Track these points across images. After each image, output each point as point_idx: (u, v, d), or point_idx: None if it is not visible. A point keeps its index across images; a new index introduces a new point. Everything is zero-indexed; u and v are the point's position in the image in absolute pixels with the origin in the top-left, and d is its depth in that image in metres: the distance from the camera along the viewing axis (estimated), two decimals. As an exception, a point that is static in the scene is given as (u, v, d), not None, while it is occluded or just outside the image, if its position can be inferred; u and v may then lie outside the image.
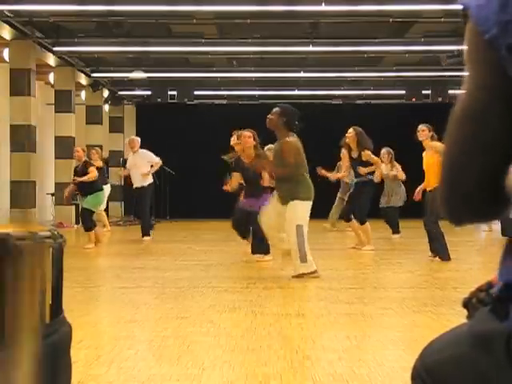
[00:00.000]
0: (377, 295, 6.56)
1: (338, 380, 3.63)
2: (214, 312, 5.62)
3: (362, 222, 10.71)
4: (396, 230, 13.38)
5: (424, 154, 9.44)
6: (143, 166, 12.85)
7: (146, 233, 12.91)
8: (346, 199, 11.48)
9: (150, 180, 13.03)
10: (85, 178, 11.36)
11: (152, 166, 12.98)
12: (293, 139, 7.64)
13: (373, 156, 10.54)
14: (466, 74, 1.10)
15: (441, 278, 7.86)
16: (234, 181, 10.11)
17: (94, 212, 11.65)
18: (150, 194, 13.10)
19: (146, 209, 12.95)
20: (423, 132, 9.36)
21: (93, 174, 11.37)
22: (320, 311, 5.68)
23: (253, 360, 4.04)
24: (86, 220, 11.45)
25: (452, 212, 1.13)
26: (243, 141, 9.42)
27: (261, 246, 9.28)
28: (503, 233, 13.00)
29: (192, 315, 5.47)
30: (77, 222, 17.47)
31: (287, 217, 7.52)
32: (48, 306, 2.11)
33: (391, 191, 13.35)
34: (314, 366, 3.90)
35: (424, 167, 9.33)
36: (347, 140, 10.72)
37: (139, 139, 13.37)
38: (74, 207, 17.64)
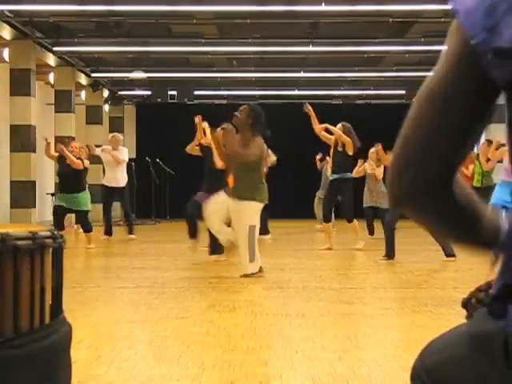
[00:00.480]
0: (377, 295, 6.56)
1: (338, 380, 3.63)
2: (214, 312, 5.62)
3: (350, 220, 10.73)
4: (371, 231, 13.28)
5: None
6: (121, 164, 12.87)
7: (132, 231, 12.98)
8: (325, 197, 11.33)
9: (126, 178, 13.03)
10: (69, 156, 11.03)
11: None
12: (260, 142, 7.67)
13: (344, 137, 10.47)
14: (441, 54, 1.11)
15: (441, 278, 7.86)
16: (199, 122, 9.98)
17: (86, 212, 11.49)
18: (128, 193, 13.17)
19: (130, 208, 13.11)
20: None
21: (78, 162, 11.09)
22: (320, 311, 5.67)
23: (253, 360, 4.04)
24: (85, 222, 11.38)
25: (406, 191, 1.12)
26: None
27: (218, 246, 9.22)
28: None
29: (192, 315, 5.47)
30: (77, 222, 17.46)
31: (241, 216, 7.52)
32: (48, 305, 2.11)
33: (375, 191, 13.12)
34: (314, 366, 3.90)
35: None
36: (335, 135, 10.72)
37: (122, 137, 13.37)
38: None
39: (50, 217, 18.25)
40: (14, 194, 14.99)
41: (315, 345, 4.48)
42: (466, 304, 1.25)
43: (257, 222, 7.60)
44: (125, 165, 13.00)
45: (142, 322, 5.30)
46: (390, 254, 9.42)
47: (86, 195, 11.39)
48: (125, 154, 12.98)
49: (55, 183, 17.79)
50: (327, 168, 14.29)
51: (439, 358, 1.21)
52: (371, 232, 13.13)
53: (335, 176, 10.65)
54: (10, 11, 13.64)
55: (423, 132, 1.09)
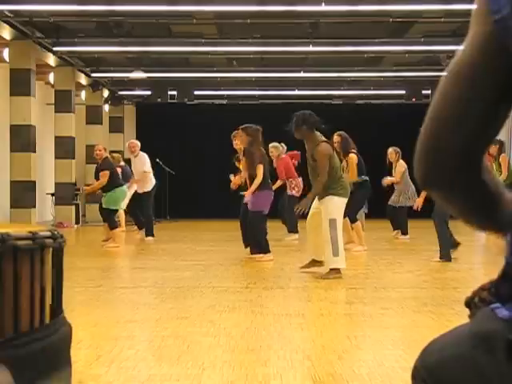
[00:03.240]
0: (377, 295, 6.56)
1: (338, 380, 3.63)
2: (214, 312, 5.62)
3: (355, 221, 10.77)
4: (404, 231, 13.20)
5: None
6: (141, 171, 13.00)
7: (150, 233, 12.98)
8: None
9: (152, 184, 13.13)
10: (92, 187, 12.19)
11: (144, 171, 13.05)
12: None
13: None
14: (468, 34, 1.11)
15: (441, 278, 7.86)
16: (238, 178, 10.24)
17: (111, 210, 11.67)
18: (152, 196, 13.25)
19: (150, 211, 13.09)
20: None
21: (102, 179, 11.64)
22: (320, 311, 5.68)
23: (253, 360, 4.04)
24: (105, 218, 11.73)
25: (433, 172, 1.12)
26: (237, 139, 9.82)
27: (259, 245, 9.30)
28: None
29: (192, 315, 5.47)
30: (77, 222, 17.50)
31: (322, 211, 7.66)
32: (48, 306, 2.11)
33: (401, 191, 13.09)
34: (314, 366, 3.90)
35: None
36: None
37: (139, 143, 13.40)
38: (73, 207, 17.64)
39: (49, 217, 18.30)
40: (14, 193, 14.98)
41: (315, 345, 4.48)
42: (469, 303, 1.24)
43: (337, 216, 7.68)
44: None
45: (142, 322, 5.30)
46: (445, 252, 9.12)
47: (111, 195, 11.73)
48: (144, 164, 13.43)
49: (55, 183, 17.81)
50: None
51: (441, 357, 1.20)
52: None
53: (364, 177, 10.71)
54: (10, 11, 13.62)
55: (451, 112, 1.09)
